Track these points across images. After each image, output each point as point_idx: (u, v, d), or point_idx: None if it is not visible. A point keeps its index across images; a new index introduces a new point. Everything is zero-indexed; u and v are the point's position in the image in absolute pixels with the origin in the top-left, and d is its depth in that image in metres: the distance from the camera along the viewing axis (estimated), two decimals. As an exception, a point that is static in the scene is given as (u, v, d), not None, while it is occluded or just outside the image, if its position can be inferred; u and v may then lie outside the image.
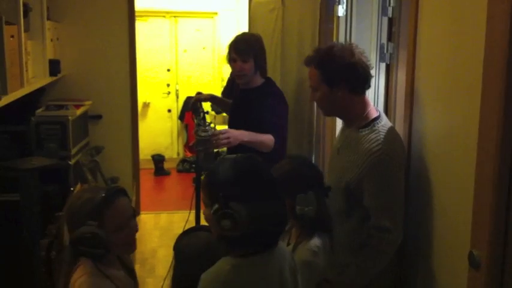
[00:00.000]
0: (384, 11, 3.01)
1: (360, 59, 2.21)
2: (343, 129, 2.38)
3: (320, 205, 2.02)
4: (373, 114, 2.25)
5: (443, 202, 2.08)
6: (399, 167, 2.17)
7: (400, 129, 2.65)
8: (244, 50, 3.18)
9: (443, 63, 2.10)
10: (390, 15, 2.93)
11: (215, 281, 1.57)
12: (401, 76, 2.75)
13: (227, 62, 3.34)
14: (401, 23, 2.76)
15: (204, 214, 1.69)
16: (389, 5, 2.89)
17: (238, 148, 2.98)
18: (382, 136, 2.15)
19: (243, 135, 3.05)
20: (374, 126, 2.20)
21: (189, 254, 1.78)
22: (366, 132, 2.19)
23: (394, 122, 2.93)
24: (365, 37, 3.20)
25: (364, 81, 2.23)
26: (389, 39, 3.00)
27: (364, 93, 2.25)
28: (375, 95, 3.26)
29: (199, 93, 3.78)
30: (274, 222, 1.61)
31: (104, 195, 1.84)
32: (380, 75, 3.19)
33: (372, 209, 2.15)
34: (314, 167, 2.22)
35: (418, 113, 2.35)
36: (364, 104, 2.25)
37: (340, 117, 2.38)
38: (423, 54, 2.29)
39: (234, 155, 1.69)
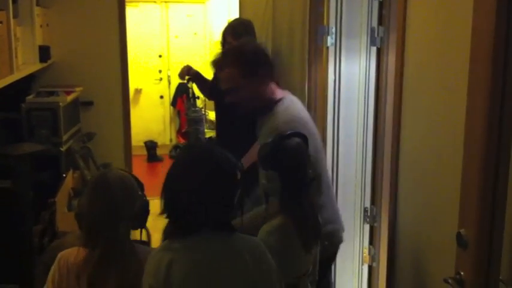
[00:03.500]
0: (374, -6, 3.01)
1: (264, 48, 2.44)
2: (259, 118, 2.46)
3: (292, 191, 2.03)
4: (277, 97, 2.37)
5: (432, 182, 2.10)
6: None
7: (390, 112, 2.66)
8: (241, 35, 3.27)
9: (432, 45, 2.11)
10: (381, -1, 2.93)
11: (153, 252, 1.74)
12: (392, 60, 2.75)
13: (221, 47, 3.38)
14: (392, 6, 2.76)
15: None
16: (379, -12, 2.89)
17: None
18: (279, 118, 2.27)
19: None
20: (274, 109, 2.33)
21: None
22: (268, 116, 2.32)
23: (384, 106, 2.94)
24: (355, 20, 3.19)
25: (273, 65, 2.40)
26: (379, 22, 3.00)
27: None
28: (365, 79, 3.26)
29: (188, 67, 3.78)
30: (194, 208, 1.70)
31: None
32: (371, 59, 3.19)
33: None
34: (299, 155, 2.12)
35: (407, 96, 2.36)
36: (273, 88, 2.38)
37: (257, 108, 2.41)
38: (412, 38, 2.30)
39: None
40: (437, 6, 2.07)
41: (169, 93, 7.84)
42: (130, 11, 6.31)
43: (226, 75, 2.34)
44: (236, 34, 3.30)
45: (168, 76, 7.80)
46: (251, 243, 1.76)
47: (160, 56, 7.78)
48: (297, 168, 2.08)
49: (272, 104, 2.35)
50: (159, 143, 7.70)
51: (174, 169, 1.78)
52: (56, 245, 2.28)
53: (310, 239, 2.08)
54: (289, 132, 2.13)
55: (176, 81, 7.66)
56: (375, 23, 3.06)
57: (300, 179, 2.07)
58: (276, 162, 2.02)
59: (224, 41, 3.36)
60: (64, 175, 3.41)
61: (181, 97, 7.50)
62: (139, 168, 6.50)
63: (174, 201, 1.74)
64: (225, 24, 3.51)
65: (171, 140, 7.95)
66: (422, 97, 2.22)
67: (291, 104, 2.37)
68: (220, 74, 2.38)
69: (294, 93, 3.79)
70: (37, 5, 3.72)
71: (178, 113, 7.73)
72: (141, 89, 7.76)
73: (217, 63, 2.40)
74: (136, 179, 2.01)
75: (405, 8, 2.32)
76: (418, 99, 2.26)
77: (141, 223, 2.00)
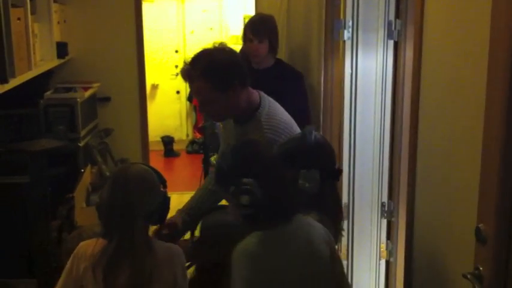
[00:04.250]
0: (391, -13, 2.98)
1: (236, 52, 2.29)
2: (233, 125, 2.32)
3: (325, 186, 2.01)
4: (255, 102, 2.25)
5: (451, 177, 2.08)
6: None
7: (407, 107, 2.64)
8: (260, 31, 3.28)
9: (450, 39, 2.08)
10: (398, -8, 2.90)
11: (244, 253, 1.70)
12: (409, 53, 2.73)
13: (242, 42, 3.42)
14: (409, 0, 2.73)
15: (229, 211, 1.84)
16: (396, -19, 2.86)
17: None
18: (264, 125, 2.18)
19: None
20: (256, 117, 2.21)
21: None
22: (250, 125, 2.21)
23: (402, 100, 2.91)
24: (372, 14, 3.16)
25: (247, 71, 2.24)
26: (397, 16, 2.98)
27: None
28: (383, 73, 3.23)
29: None
30: (288, 193, 1.73)
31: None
32: (388, 52, 3.16)
33: None
34: (324, 146, 2.14)
35: (425, 90, 2.33)
36: (249, 94, 2.25)
37: (233, 116, 2.30)
38: (430, 31, 2.27)
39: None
40: (455, -2, 2.04)
41: (185, 88, 7.85)
42: (146, 7, 6.33)
43: (197, 88, 2.18)
44: (255, 30, 3.29)
45: (185, 71, 7.82)
46: (325, 229, 1.82)
47: (176, 52, 7.80)
48: (334, 161, 2.08)
49: (251, 111, 2.23)
50: (176, 138, 7.73)
51: (234, 170, 1.78)
52: (75, 234, 2.30)
53: (340, 231, 2.08)
54: (308, 129, 2.11)
55: (192, 76, 7.67)
56: (392, 16, 3.03)
57: (336, 172, 2.07)
58: (315, 159, 1.98)
59: (245, 37, 3.36)
60: (82, 170, 3.44)
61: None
62: (156, 164, 6.50)
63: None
64: (241, 19, 3.51)
65: (187, 135, 7.97)
66: (440, 91, 2.20)
67: (271, 108, 2.26)
68: (191, 85, 2.22)
69: (311, 87, 3.79)
70: (54, 1, 3.74)
71: (195, 108, 7.75)
72: (157, 85, 7.79)
73: (187, 74, 2.21)
74: (159, 174, 2.01)
75: (423, 0, 2.29)
76: (436, 93, 2.23)
77: (161, 219, 2.01)
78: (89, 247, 1.89)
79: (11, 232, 2.79)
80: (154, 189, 1.95)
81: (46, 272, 2.77)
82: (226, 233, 1.95)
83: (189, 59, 2.22)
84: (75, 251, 1.90)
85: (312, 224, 1.80)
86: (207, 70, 2.14)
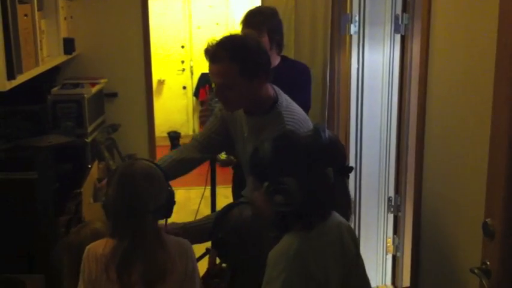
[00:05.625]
0: (398, -19, 2.98)
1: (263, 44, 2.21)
2: (245, 117, 2.28)
3: (338, 184, 2.00)
4: (272, 95, 2.20)
5: (458, 171, 2.07)
6: None
7: (414, 101, 2.63)
8: (257, 24, 2.99)
9: (458, 32, 2.07)
10: (404, -15, 2.89)
11: (285, 255, 1.64)
12: (416, 47, 2.72)
13: None
14: (416, -7, 2.72)
15: (253, 199, 1.78)
16: (403, -26, 2.86)
17: None
18: (286, 118, 2.14)
19: None
20: (276, 109, 2.17)
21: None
22: (269, 117, 2.16)
23: (409, 94, 2.91)
24: (379, 8, 3.16)
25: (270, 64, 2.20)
26: (404, 9, 2.97)
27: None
28: (389, 67, 3.23)
29: None
30: (324, 191, 1.68)
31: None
32: (395, 46, 3.16)
33: None
34: (338, 143, 2.15)
35: (432, 84, 2.32)
36: (267, 86, 2.20)
37: (248, 108, 2.24)
38: (437, 24, 2.26)
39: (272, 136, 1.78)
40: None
41: (192, 83, 7.86)
42: (152, 2, 6.32)
43: (222, 69, 2.09)
44: (249, 21, 3.00)
45: (191, 67, 7.82)
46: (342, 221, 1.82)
47: (182, 47, 7.80)
48: (345, 157, 2.07)
49: (270, 103, 2.18)
50: (182, 134, 7.74)
51: (271, 165, 1.71)
52: (75, 230, 2.29)
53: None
54: (320, 126, 2.09)
55: (199, 71, 7.68)
56: (399, 10, 3.03)
57: (348, 168, 2.06)
58: (329, 157, 1.96)
59: (242, 31, 3.04)
60: (89, 166, 3.45)
61: (204, 87, 7.52)
62: (163, 159, 6.53)
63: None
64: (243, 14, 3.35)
65: (194, 131, 7.98)
66: (447, 85, 2.19)
67: (288, 102, 2.22)
68: (215, 66, 2.12)
69: (317, 82, 3.79)
70: (61, -3, 3.75)
71: (201, 104, 7.76)
72: (164, 80, 7.80)
73: (213, 54, 2.11)
74: (160, 169, 2.01)
75: (430, -6, 2.28)
76: (444, 88, 2.22)
77: (167, 213, 2.00)
78: (98, 248, 1.87)
79: (19, 228, 2.81)
80: (161, 184, 1.94)
81: (54, 268, 2.78)
82: (253, 231, 1.97)
83: (213, 40, 2.14)
84: (84, 254, 1.88)
85: (341, 220, 1.78)
86: (239, 53, 2.07)
